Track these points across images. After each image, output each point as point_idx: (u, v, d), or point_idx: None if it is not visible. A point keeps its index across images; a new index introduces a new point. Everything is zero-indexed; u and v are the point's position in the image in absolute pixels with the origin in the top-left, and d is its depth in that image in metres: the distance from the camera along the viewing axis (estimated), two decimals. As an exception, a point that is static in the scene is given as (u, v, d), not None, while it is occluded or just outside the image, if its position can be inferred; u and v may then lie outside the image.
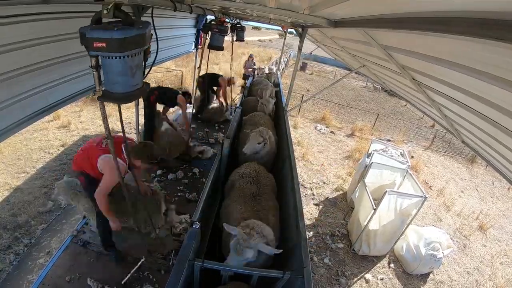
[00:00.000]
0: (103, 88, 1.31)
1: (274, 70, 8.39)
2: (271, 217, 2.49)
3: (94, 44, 1.13)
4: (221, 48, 4.39)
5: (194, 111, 4.61)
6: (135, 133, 5.47)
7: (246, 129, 4.03)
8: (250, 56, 10.58)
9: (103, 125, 1.54)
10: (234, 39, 5.81)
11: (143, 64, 1.37)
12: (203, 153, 4.86)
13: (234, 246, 1.95)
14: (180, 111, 4.83)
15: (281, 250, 1.98)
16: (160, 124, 4.47)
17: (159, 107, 4.64)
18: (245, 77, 9.85)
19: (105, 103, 1.38)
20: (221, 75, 6.30)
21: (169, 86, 11.02)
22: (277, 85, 6.98)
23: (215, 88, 6.35)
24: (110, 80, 1.26)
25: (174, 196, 3.80)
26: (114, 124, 7.12)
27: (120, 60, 1.18)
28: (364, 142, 9.17)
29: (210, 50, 4.36)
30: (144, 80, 1.43)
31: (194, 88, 6.90)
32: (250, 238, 1.93)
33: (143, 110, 4.35)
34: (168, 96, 4.38)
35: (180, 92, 4.44)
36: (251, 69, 9.19)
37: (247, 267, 1.97)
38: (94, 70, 1.25)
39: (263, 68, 8.74)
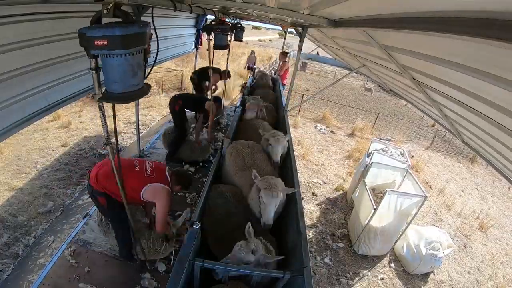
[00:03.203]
0: (102, 90, 1.29)
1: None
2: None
3: (96, 43, 1.12)
4: (226, 47, 4.39)
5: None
6: (135, 133, 5.48)
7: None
8: (252, 52, 12.90)
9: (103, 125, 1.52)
10: (232, 38, 5.80)
11: (144, 64, 1.36)
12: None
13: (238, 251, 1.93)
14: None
15: (282, 257, 2.00)
16: (189, 130, 4.62)
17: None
18: (249, 68, 10.95)
19: (104, 105, 1.36)
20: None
21: (169, 86, 11.06)
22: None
23: (206, 82, 6.36)
24: (111, 80, 1.24)
25: (174, 196, 3.80)
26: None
27: (121, 58, 1.17)
28: (364, 141, 9.17)
29: (213, 50, 4.33)
30: (145, 82, 1.42)
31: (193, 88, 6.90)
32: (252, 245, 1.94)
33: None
34: (196, 102, 4.45)
35: (209, 98, 4.44)
36: (253, 65, 10.50)
37: (248, 267, 1.96)
38: (94, 72, 1.23)
39: (263, 71, 8.69)
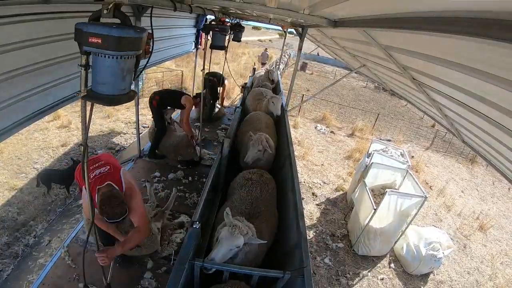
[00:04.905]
0: (88, 89, 1.29)
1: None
2: (263, 224, 2.45)
3: (90, 39, 1.11)
4: (223, 48, 4.39)
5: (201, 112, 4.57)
6: (135, 133, 5.48)
7: (245, 127, 4.05)
8: (266, 49, 14.07)
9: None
10: (231, 38, 5.82)
11: (134, 70, 1.34)
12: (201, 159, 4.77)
13: (227, 231, 1.95)
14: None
15: (265, 241, 2.05)
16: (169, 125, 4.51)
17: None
18: (263, 64, 11.39)
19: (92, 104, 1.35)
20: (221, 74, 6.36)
21: (169, 86, 11.06)
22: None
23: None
24: (99, 80, 1.22)
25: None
26: (114, 124, 7.14)
27: (113, 60, 1.16)
28: (364, 142, 9.17)
29: (211, 50, 4.34)
30: (132, 88, 1.40)
31: (193, 88, 6.90)
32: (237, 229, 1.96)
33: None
34: (172, 98, 4.30)
35: (185, 93, 4.35)
36: (265, 62, 10.86)
37: (248, 267, 1.97)
38: (83, 68, 1.22)
39: (261, 72, 8.71)
